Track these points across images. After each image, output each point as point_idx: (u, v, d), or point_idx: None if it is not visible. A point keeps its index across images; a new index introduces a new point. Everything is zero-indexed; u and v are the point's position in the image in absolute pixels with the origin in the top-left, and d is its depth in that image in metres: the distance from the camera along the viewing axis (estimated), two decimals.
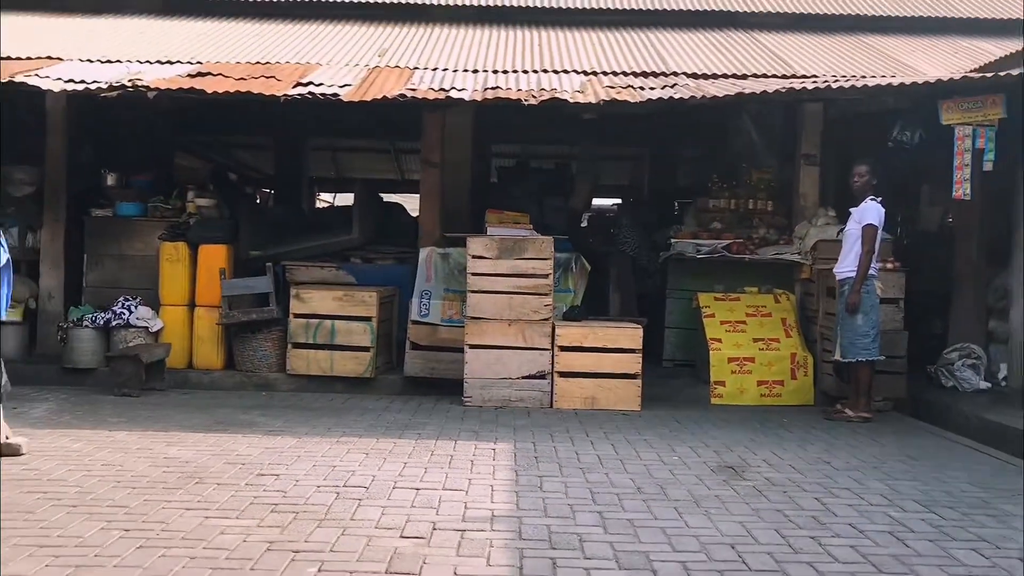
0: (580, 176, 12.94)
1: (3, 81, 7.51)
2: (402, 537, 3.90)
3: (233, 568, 3.47)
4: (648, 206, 12.76)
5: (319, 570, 3.47)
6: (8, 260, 5.58)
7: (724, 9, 10.82)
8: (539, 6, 10.78)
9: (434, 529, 4.02)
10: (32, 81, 7.57)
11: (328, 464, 5.24)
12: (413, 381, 8.25)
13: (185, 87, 7.50)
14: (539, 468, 5.28)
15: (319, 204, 20.17)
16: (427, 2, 10.74)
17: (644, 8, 10.78)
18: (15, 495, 4.43)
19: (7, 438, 5.27)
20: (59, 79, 7.76)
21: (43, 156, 9.07)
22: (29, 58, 8.72)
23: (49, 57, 8.76)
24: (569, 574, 3.49)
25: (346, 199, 20.27)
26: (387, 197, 13.21)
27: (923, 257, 9.61)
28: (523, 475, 5.09)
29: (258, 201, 14.38)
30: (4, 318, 5.59)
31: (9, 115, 8.86)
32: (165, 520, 4.08)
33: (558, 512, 4.34)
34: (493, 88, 7.87)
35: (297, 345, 8.27)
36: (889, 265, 8.06)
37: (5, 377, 5.20)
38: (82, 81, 7.73)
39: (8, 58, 8.67)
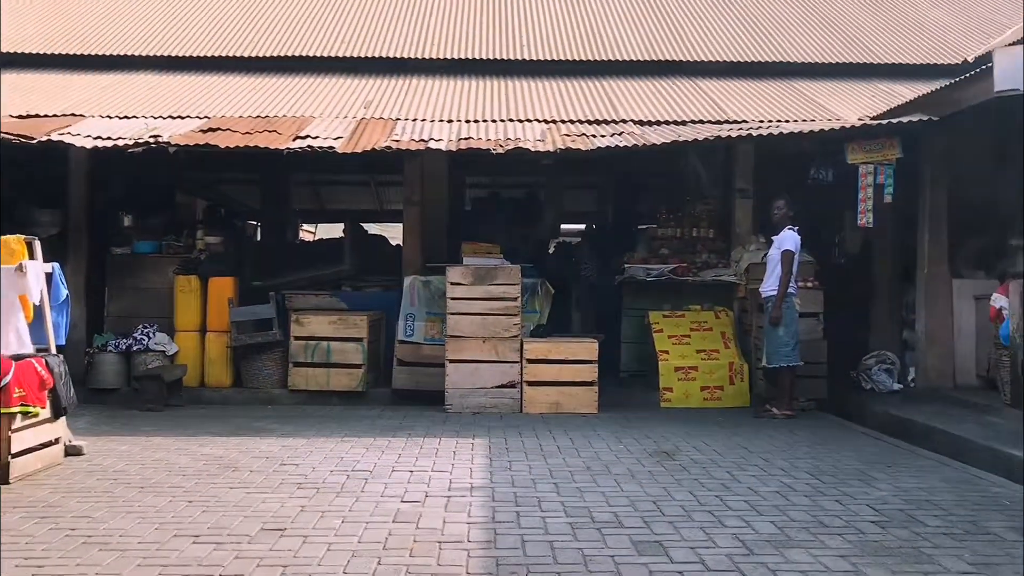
0: (547, 207, 14.26)
1: (41, 139, 8.67)
2: (403, 502, 5.09)
3: (278, 525, 4.63)
4: (611, 231, 14.02)
5: (343, 522, 4.66)
6: (67, 296, 6.76)
7: (669, 59, 12.11)
8: (505, 58, 12.04)
9: (426, 496, 5.22)
10: (67, 139, 8.73)
11: (336, 456, 6.42)
12: (400, 393, 9.42)
13: (201, 143, 8.69)
14: (509, 455, 6.48)
15: (303, 235, 21.33)
16: (406, 55, 11.99)
17: (598, 59, 12.05)
18: (92, 482, 5.59)
19: (70, 441, 6.41)
20: (88, 136, 8.93)
21: (65, 199, 10.19)
22: (56, 115, 9.89)
23: (73, 114, 9.94)
24: (529, 521, 4.70)
25: (329, 230, 21.48)
26: (369, 227, 14.43)
27: (850, 276, 10.93)
28: (496, 460, 6.30)
29: (253, 235, 15.48)
30: (63, 343, 6.73)
31: (33, 163, 10.05)
32: (216, 495, 5.25)
33: (523, 483, 5.55)
34: (465, 139, 9.12)
35: (297, 364, 9.43)
36: (809, 284, 9.36)
37: (73, 392, 6.34)
38: (108, 138, 8.90)
39: (37, 115, 9.87)
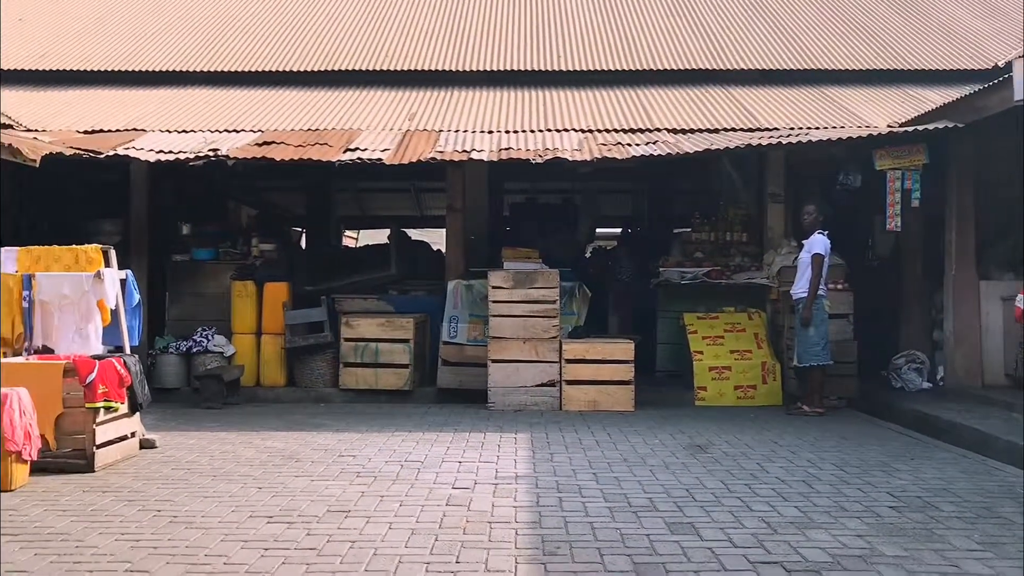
0: (583, 211, 14.68)
1: (109, 154, 9.24)
2: (454, 488, 5.54)
3: (342, 508, 5.08)
4: (646, 236, 14.41)
5: (400, 505, 5.11)
6: (140, 300, 7.30)
7: (702, 67, 12.47)
8: (542, 69, 12.47)
9: (475, 484, 5.66)
10: (132, 153, 9.30)
11: (389, 448, 6.88)
12: (445, 392, 9.87)
13: (258, 156, 9.21)
14: (550, 448, 6.90)
15: (345, 240, 21.92)
16: (448, 68, 12.46)
17: (633, 68, 12.43)
18: (168, 471, 6.10)
19: (144, 435, 6.94)
20: (151, 150, 9.50)
21: (127, 209, 10.78)
22: (118, 130, 10.49)
23: (135, 128, 10.53)
24: (571, 504, 5.11)
25: (371, 236, 22.03)
26: (411, 233, 14.92)
27: (880, 279, 11.21)
28: (538, 453, 6.72)
29: (299, 242, 16.06)
30: (137, 344, 7.26)
31: (94, 175, 10.66)
32: (283, 482, 5.72)
33: (564, 473, 5.97)
34: (506, 148, 9.56)
35: (348, 364, 9.92)
36: (839, 286, 9.67)
37: (147, 390, 6.86)
38: (171, 151, 9.45)
39: (101, 131, 10.47)
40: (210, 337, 10.12)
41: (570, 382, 9.26)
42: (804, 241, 9.20)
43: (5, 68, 12.24)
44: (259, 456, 6.63)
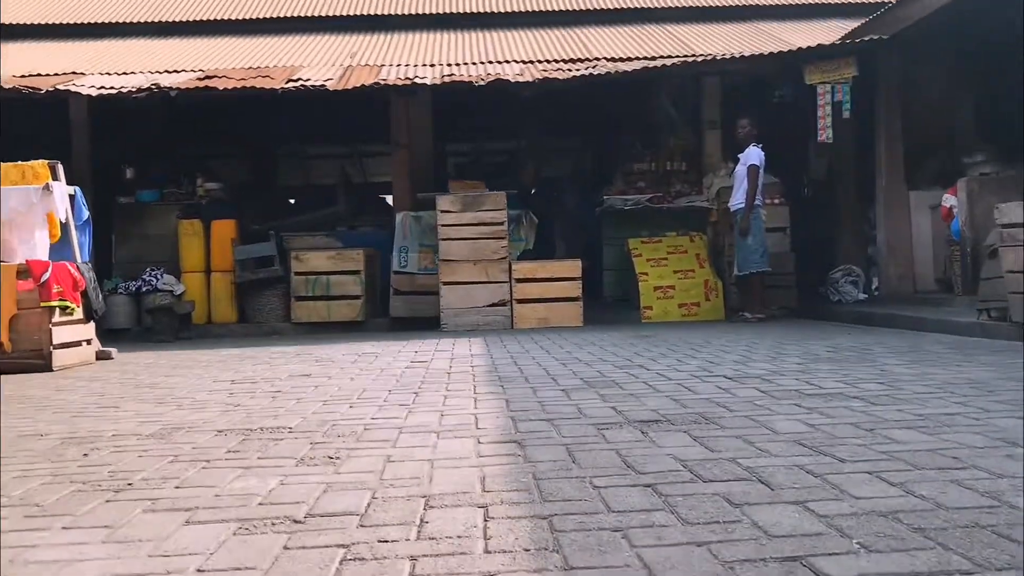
0: (528, 159, 14.87)
1: (48, 90, 9.20)
2: (412, 362, 5.71)
3: (303, 373, 5.23)
4: (589, 168, 14.68)
5: (360, 371, 5.27)
6: (89, 216, 7.32)
7: (640, 6, 12.76)
8: (482, 11, 12.65)
9: (433, 359, 5.84)
10: (73, 88, 9.27)
11: (346, 348, 7.03)
12: (397, 321, 10.01)
13: (200, 86, 9.24)
14: (503, 344, 7.10)
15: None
16: (387, 13, 12.58)
17: (571, 8, 12.67)
18: (127, 368, 6.17)
19: (100, 347, 6.98)
20: (92, 87, 9.47)
21: (68, 154, 10.69)
22: (57, 74, 10.41)
23: (75, 72, 10.46)
24: (524, 361, 5.32)
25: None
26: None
27: (817, 200, 11.59)
28: (492, 346, 6.91)
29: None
30: (88, 260, 7.28)
31: (33, 121, 10.57)
32: (242, 368, 5.84)
33: (517, 352, 6.18)
34: (449, 76, 9.71)
35: (299, 298, 10.00)
36: (777, 200, 10.00)
37: (101, 298, 6.91)
38: (112, 88, 9.44)
39: (39, 74, 10.38)
40: (159, 276, 10.12)
41: (521, 301, 9.46)
42: (739, 155, 9.50)
43: None
44: (217, 358, 6.73)
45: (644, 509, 1.93)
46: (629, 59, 10.64)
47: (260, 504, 2.13)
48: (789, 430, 2.82)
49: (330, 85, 9.29)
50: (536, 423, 3.13)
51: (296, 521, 1.96)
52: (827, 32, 11.92)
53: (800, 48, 9.29)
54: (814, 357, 5.13)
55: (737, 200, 9.28)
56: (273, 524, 1.94)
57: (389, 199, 12.86)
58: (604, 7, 12.75)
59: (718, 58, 9.41)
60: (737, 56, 9.36)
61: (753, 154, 9.20)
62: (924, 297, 9.30)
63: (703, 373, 4.50)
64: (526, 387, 4.19)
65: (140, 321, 9.98)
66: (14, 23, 12.31)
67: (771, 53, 9.29)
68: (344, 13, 12.57)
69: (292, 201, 15.68)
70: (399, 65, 10.51)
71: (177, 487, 2.35)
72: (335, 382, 4.73)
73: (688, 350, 5.94)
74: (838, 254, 11.16)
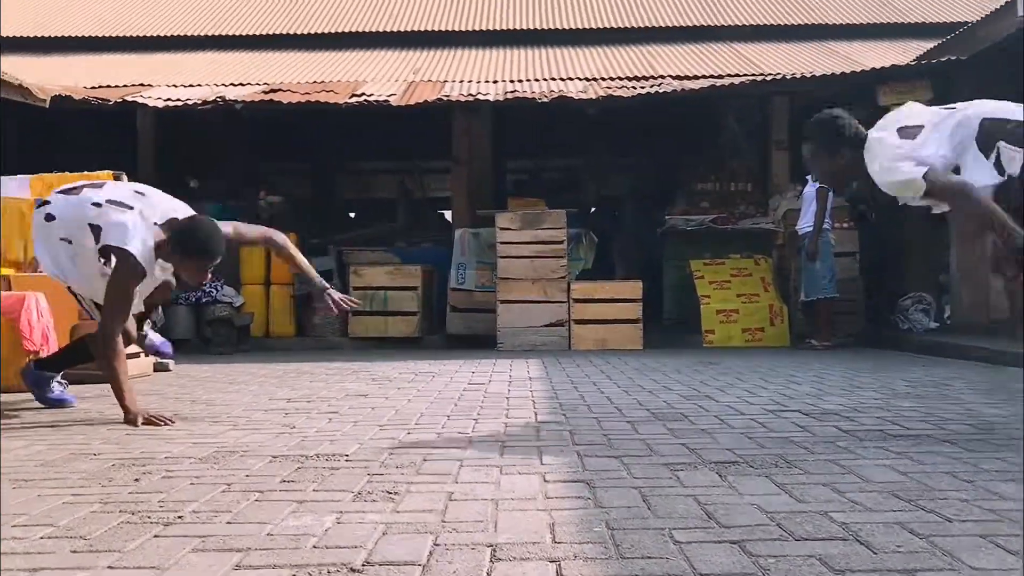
0: (588, 179, 14.74)
1: (117, 100, 9.30)
2: (469, 384, 5.57)
3: (360, 392, 5.13)
4: (652, 188, 14.45)
5: (417, 392, 5.14)
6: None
7: (706, 24, 12.55)
8: (543, 28, 12.55)
9: (490, 380, 5.69)
10: (140, 100, 9.35)
11: (403, 367, 6.92)
12: (454, 338, 9.90)
13: (266, 99, 9.26)
14: (561, 367, 6.94)
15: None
16: (450, 29, 12.54)
17: (636, 26, 12.52)
18: (184, 381, 6.13)
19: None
20: (159, 98, 9.56)
21: (133, 165, 10.81)
22: (125, 85, 10.54)
23: (142, 84, 10.59)
24: (585, 389, 5.15)
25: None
26: None
27: (884, 224, 11.22)
28: (550, 369, 6.76)
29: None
30: None
31: (100, 134, 10.70)
32: (299, 385, 5.76)
33: (577, 377, 6.01)
34: (512, 92, 9.61)
35: (357, 313, 9.93)
36: (845, 224, 9.70)
37: (161, 311, 6.89)
38: (178, 100, 9.51)
39: (108, 86, 10.52)
40: (219, 288, 10.14)
41: (579, 321, 9.29)
42: (807, 177, 9.23)
43: (6, 35, 12.32)
44: (274, 373, 6.68)
45: (734, 573, 1.76)
46: (695, 77, 10.46)
47: (315, 547, 1.99)
48: (881, 478, 2.61)
49: (393, 100, 9.25)
50: (604, 460, 2.96)
51: (354, 570, 1.82)
52: (899, 52, 11.62)
53: (874, 68, 9.00)
54: (891, 392, 4.88)
55: (805, 223, 9.01)
56: (329, 573, 1.81)
57: (447, 214, 12.85)
58: (669, 24, 12.57)
59: (788, 78, 9.16)
60: (808, 76, 9.10)
61: None
62: (998, 328, 8.91)
63: (776, 407, 4.29)
64: (589, 416, 4.03)
65: (200, 332, 10.01)
66: (84, 36, 12.53)
67: (843, 73, 9.01)
68: (407, 29, 12.57)
69: (351, 215, 15.76)
70: (462, 81, 10.45)
71: (229, 522, 2.23)
72: (392, 403, 4.61)
73: (756, 380, 5.71)
74: (907, 280, 10.79)
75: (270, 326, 10.25)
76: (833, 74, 9.10)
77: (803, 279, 9.06)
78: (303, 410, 4.41)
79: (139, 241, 4.05)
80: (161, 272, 4.38)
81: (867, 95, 9.67)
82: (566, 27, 12.61)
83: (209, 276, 4.32)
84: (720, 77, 10.34)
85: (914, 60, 9.82)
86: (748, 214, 10.81)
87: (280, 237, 4.76)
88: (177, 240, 4.10)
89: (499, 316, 9.33)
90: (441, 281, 10.46)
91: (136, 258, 4.02)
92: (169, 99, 9.54)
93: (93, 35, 12.55)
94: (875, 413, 4.02)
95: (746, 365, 6.85)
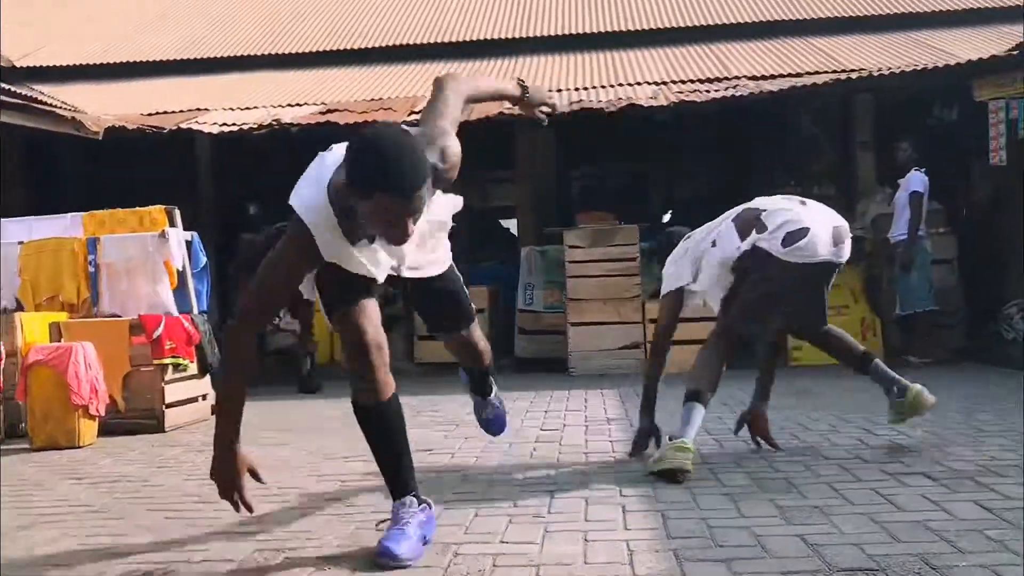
0: (655, 186, 14.16)
1: (172, 128, 9.08)
2: (541, 430, 5.13)
3: (425, 447, 4.72)
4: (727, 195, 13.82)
5: (488, 442, 4.71)
6: (207, 263, 7.05)
7: (781, 18, 11.90)
8: (610, 31, 12.04)
9: (564, 426, 5.24)
10: (195, 127, 9.12)
11: (469, 404, 6.47)
12: (523, 361, 9.47)
13: (321, 122, 8.95)
14: (638, 399, 6.43)
15: None
16: (512, 36, 12.11)
17: (707, 24, 11.93)
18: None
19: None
20: (214, 124, 9.32)
21: (194, 193, 10.65)
22: (182, 111, 10.34)
23: (198, 109, 10.37)
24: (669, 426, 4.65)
25: None
26: None
27: (983, 225, 10.47)
28: (627, 401, 6.27)
29: None
30: (205, 309, 7.01)
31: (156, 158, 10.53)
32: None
33: (660, 411, 5.49)
34: (577, 102, 9.13)
35: (422, 337, 9.58)
36: (941, 230, 9.01)
37: (218, 351, 6.59)
38: (234, 124, 9.26)
39: (164, 112, 10.34)
40: (282, 315, 9.85)
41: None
42: (899, 181, 8.58)
43: (70, 64, 12.31)
44: (338, 413, 6.31)
45: None
46: (771, 77, 9.84)
47: None
48: None
49: None
50: (710, 566, 2.49)
51: None
52: (992, 40, 10.79)
53: (969, 61, 8.29)
54: (1014, 433, 4.28)
55: (899, 230, 8.36)
56: None
57: (510, 224, 12.41)
58: (742, 21, 11.94)
59: (874, 75, 8.51)
60: (897, 72, 8.44)
61: (915, 179, 8.27)
62: None
63: (895, 466, 3.74)
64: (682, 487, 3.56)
65: (263, 362, 9.74)
66: (141, 61, 12.44)
67: (936, 67, 8.32)
68: (468, 39, 12.17)
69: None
70: None
71: None
72: (458, 461, 4.19)
73: (859, 419, 5.16)
74: (1009, 286, 10.01)
75: (335, 352, 9.95)
76: (925, 68, 8.39)
77: (898, 291, 8.40)
78: (362, 476, 4.01)
79: (305, 189, 2.64)
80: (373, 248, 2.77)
81: (959, 88, 8.96)
82: (633, 28, 12.06)
83: (411, 226, 2.46)
84: (799, 75, 9.70)
85: (1012, 50, 9.05)
86: None
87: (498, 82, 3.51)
88: (347, 171, 2.47)
89: (570, 339, 8.87)
90: (507, 301, 10.04)
91: (298, 215, 2.61)
92: (224, 124, 9.29)
93: (151, 59, 12.44)
94: (1015, 471, 3.45)
95: (843, 394, 6.27)
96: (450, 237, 3.19)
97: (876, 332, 9.16)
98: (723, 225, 4.18)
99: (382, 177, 2.34)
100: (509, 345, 9.70)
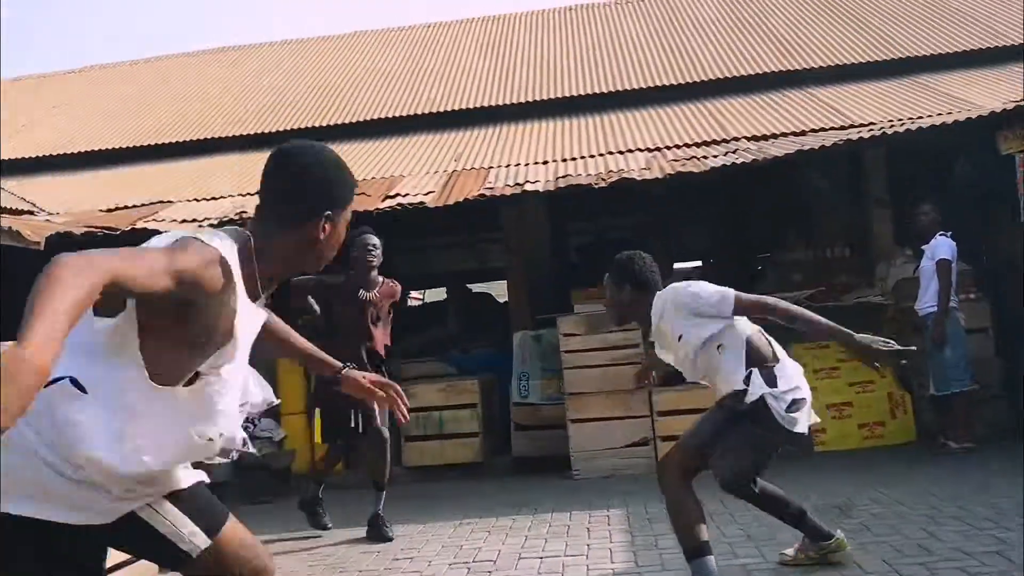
0: (657, 244, 13.36)
1: (126, 229, 8.36)
2: None
3: None
4: (732, 261, 13.02)
5: None
6: None
7: (781, 69, 11.21)
8: (598, 92, 11.36)
9: (563, 568, 4.39)
10: (152, 226, 8.39)
11: (454, 545, 5.65)
12: (521, 461, 8.62)
13: None
14: (652, 528, 5.59)
15: (411, 301, 20.90)
16: (494, 104, 11.45)
17: (700, 80, 11.24)
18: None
19: None
20: (174, 220, 8.59)
21: None
22: (143, 204, 9.65)
23: (161, 201, 9.68)
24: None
25: (437, 294, 21.02)
26: (474, 287, 13.83)
27: (1014, 286, 9.65)
28: (638, 536, 5.41)
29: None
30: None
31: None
32: None
33: (675, 566, 4.65)
34: (564, 176, 8.40)
35: (410, 439, 8.76)
36: (972, 296, 8.20)
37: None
38: (194, 220, 8.54)
39: (125, 207, 9.64)
40: (256, 422, 9.05)
41: (665, 438, 7.91)
42: (923, 247, 7.79)
43: (35, 156, 11.71)
44: (301, 568, 5.47)
45: None
46: (773, 136, 9.12)
47: None
48: None
49: (429, 201, 8.13)
50: None
51: None
52: (1006, 82, 10.11)
53: (993, 112, 7.53)
54: None
55: (927, 302, 7.56)
56: None
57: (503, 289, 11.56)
58: (738, 74, 11.26)
59: (887, 132, 7.76)
60: (914, 129, 7.69)
61: (942, 245, 7.48)
62: None
63: None
64: None
65: (239, 474, 8.91)
66: (105, 149, 11.81)
67: (955, 122, 7.57)
68: (447, 109, 11.50)
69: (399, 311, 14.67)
70: (507, 166, 9.28)
71: None
72: None
73: (916, 551, 4.31)
74: None
75: (315, 459, 9.09)
76: (945, 124, 7.64)
77: (930, 369, 7.56)
78: None
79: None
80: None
81: (980, 140, 8.20)
82: (621, 88, 11.38)
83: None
84: (803, 134, 8.98)
85: None
86: (851, 286, 9.34)
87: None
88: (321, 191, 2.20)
89: (571, 438, 8.03)
90: (503, 391, 9.22)
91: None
92: (185, 220, 8.58)
93: (116, 147, 11.81)
94: None
95: (888, 510, 5.41)
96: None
97: (906, 408, 8.34)
98: (731, 335, 4.15)
99: (352, 177, 2.33)
100: (506, 439, 8.86)
